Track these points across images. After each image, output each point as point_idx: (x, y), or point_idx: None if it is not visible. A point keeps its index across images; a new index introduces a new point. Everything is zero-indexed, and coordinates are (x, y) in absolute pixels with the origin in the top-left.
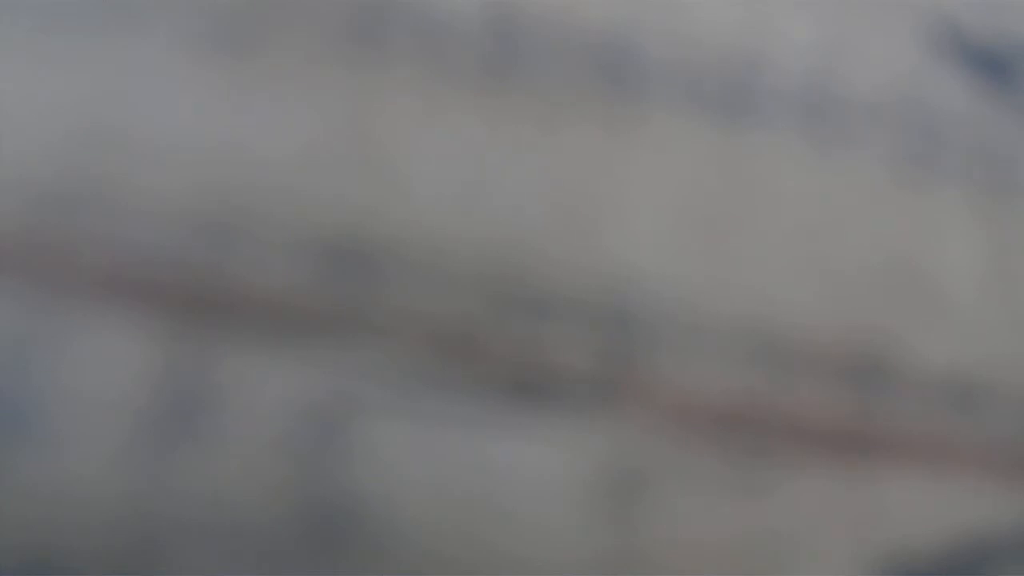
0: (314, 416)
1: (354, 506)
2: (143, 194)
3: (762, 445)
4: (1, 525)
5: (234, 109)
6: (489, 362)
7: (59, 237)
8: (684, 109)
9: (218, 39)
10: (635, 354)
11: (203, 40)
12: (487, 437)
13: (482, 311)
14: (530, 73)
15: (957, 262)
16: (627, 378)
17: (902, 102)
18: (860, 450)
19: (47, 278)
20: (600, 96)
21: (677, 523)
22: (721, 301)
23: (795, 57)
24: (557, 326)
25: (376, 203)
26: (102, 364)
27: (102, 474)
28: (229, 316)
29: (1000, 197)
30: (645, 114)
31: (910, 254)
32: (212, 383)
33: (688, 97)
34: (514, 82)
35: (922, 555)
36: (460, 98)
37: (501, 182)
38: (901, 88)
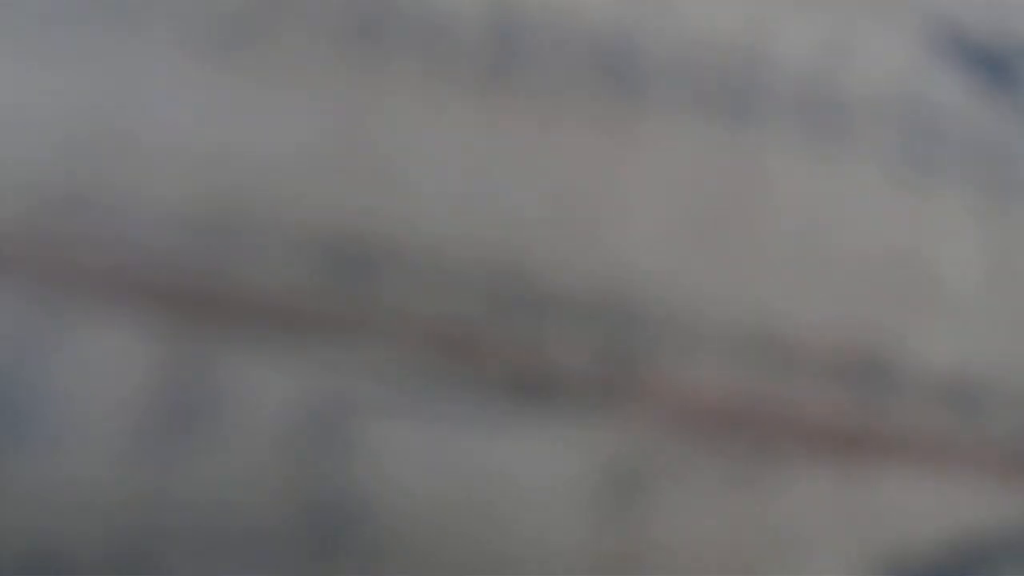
0: (314, 416)
1: (354, 506)
2: (143, 194)
3: (763, 444)
4: (0, 526)
5: (234, 109)
6: (489, 362)
7: (60, 238)
8: (684, 108)
9: (218, 39)
10: (636, 353)
11: (203, 40)
12: (487, 437)
13: (482, 311)
14: (530, 72)
15: (957, 261)
16: (628, 377)
17: (902, 101)
18: (860, 449)
19: (48, 279)
20: (600, 95)
21: (678, 522)
22: (721, 300)
23: (795, 56)
24: (558, 326)
25: (376, 203)
26: (103, 365)
27: (102, 475)
28: (230, 316)
29: (1000, 196)
30: (645, 113)
31: (910, 253)
32: (212, 384)
33: (688, 96)
34: (514, 82)
35: (922, 555)
36: (460, 98)
37: (501, 182)
38: (901, 87)
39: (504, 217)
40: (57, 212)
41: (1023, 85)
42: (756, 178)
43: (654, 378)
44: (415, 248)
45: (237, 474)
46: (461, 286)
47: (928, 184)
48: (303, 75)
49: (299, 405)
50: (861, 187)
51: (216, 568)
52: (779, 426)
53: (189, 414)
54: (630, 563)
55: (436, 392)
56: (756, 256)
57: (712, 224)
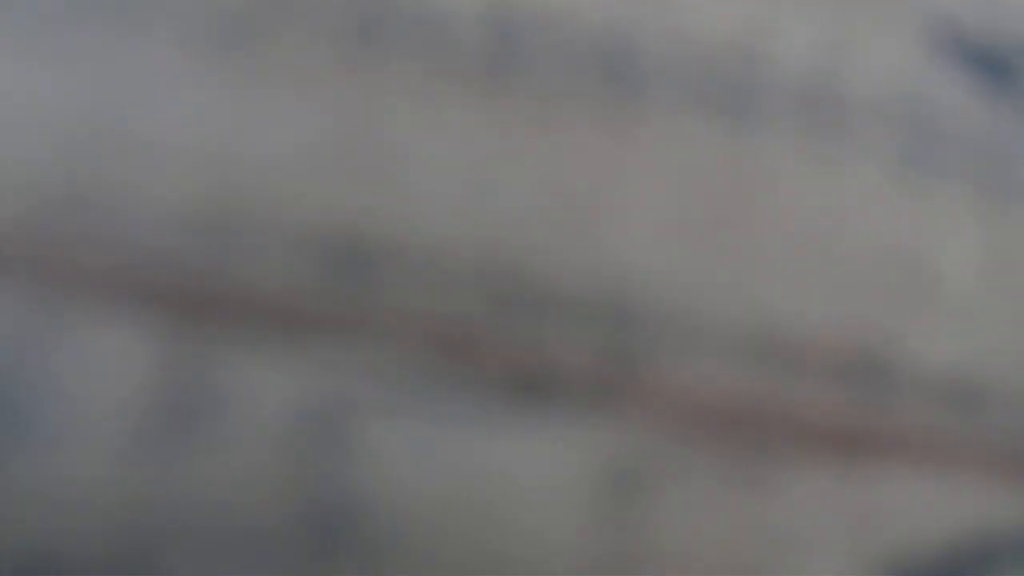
0: (314, 416)
1: (354, 506)
2: (144, 195)
3: (762, 444)
4: (0, 526)
5: (235, 109)
6: (489, 362)
7: (61, 238)
8: (684, 108)
9: (219, 39)
10: (635, 353)
11: (204, 40)
12: (487, 437)
13: (482, 311)
14: (530, 73)
15: (957, 261)
16: (627, 377)
17: (902, 101)
18: (860, 449)
19: (48, 279)
20: (600, 95)
21: (678, 522)
22: (721, 300)
23: (796, 56)
24: (557, 325)
25: (376, 203)
26: (103, 365)
27: (102, 475)
28: (230, 316)
29: (1000, 196)
30: (645, 113)
31: (910, 253)
32: (212, 383)
33: (688, 96)
34: (514, 82)
35: (922, 555)
36: (460, 98)
37: (501, 182)
38: (901, 87)
39: (504, 217)
40: (57, 212)
41: (1023, 85)
42: (756, 178)
43: (654, 378)
44: (415, 248)
45: (237, 474)
46: (461, 286)
47: (928, 184)
48: (303, 75)
49: (299, 405)
50: (861, 187)
51: (216, 568)
52: (779, 426)
53: (189, 414)
54: (630, 563)
55: (436, 392)
56: (756, 256)
57: (712, 224)
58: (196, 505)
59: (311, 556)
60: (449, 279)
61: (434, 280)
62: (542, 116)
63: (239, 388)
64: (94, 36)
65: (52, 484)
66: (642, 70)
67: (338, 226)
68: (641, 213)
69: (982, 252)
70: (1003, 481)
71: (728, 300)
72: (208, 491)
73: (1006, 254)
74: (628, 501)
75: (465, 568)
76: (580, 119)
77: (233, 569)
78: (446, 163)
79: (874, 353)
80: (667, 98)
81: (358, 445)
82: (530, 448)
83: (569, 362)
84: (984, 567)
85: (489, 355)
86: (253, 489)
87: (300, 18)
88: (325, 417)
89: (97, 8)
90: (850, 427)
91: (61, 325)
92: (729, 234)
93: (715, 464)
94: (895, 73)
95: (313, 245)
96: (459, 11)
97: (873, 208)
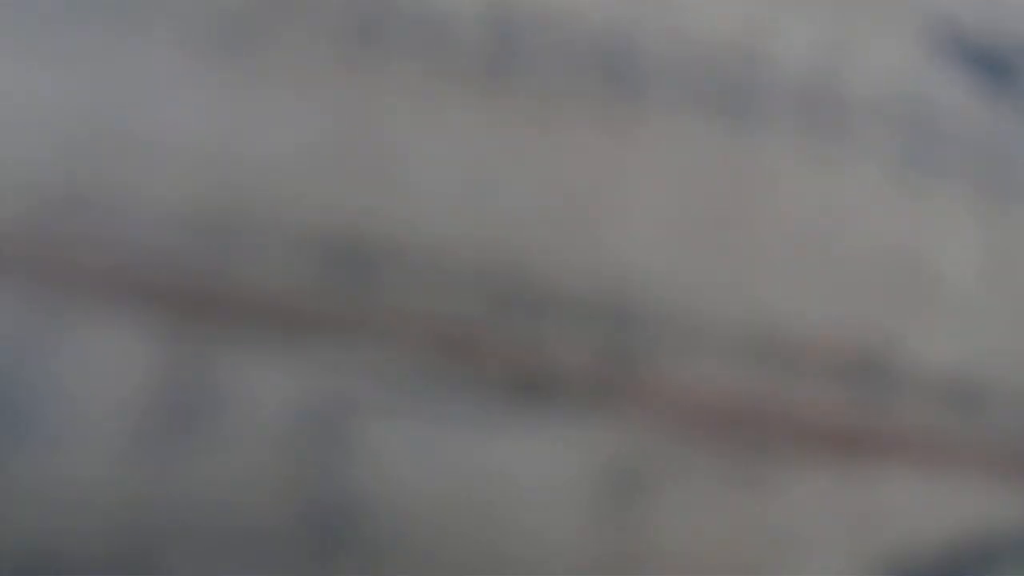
0: (314, 416)
1: (354, 506)
2: (143, 194)
3: (762, 444)
4: (1, 526)
5: (234, 109)
6: (489, 362)
7: (60, 238)
8: (684, 108)
9: (220, 39)
10: (635, 353)
11: (204, 40)
12: (487, 437)
13: (482, 311)
14: (530, 73)
15: (957, 261)
16: (627, 377)
17: (902, 101)
18: (860, 449)
19: (48, 279)
20: (600, 95)
21: (678, 522)
22: (721, 300)
23: (796, 56)
24: (557, 326)
25: (376, 203)
26: (103, 365)
27: (102, 475)
28: (230, 316)
29: (1000, 196)
30: (645, 113)
31: (910, 253)
32: (212, 384)
33: (688, 96)
34: (514, 82)
35: (922, 555)
36: (460, 98)
37: (501, 182)
38: (901, 87)
39: (504, 217)
40: (57, 212)
41: (1023, 85)
42: (756, 178)
43: (654, 378)
44: (415, 248)
45: (237, 474)
46: (461, 286)
47: (928, 184)
48: (303, 75)
49: (299, 405)
50: (861, 187)
51: (216, 568)
52: (779, 426)
53: (189, 414)
54: (630, 563)
55: (436, 392)
56: (756, 256)
57: (712, 224)
58: (196, 505)
59: (311, 556)
60: (449, 279)
61: (434, 280)
62: (542, 116)
63: (239, 388)
64: (94, 36)
65: (52, 484)
66: (642, 70)
67: (338, 226)
68: (641, 213)
69: (982, 252)
70: (1003, 481)
71: (728, 300)
72: (208, 491)
73: (1006, 254)
74: (628, 501)
75: (465, 568)
76: (580, 119)
77: (233, 569)
78: (446, 163)
79: (874, 353)
80: (667, 98)
81: (358, 445)
82: (530, 448)
83: (569, 362)
84: (984, 567)
85: (489, 355)
86: (253, 489)
87: (300, 18)
88: (325, 417)
89: (97, 8)
90: (850, 427)
91: (61, 325)
92: (729, 234)
93: (715, 464)
94: (895, 73)
95: (313, 245)
96: (459, 11)
97: (873, 208)
